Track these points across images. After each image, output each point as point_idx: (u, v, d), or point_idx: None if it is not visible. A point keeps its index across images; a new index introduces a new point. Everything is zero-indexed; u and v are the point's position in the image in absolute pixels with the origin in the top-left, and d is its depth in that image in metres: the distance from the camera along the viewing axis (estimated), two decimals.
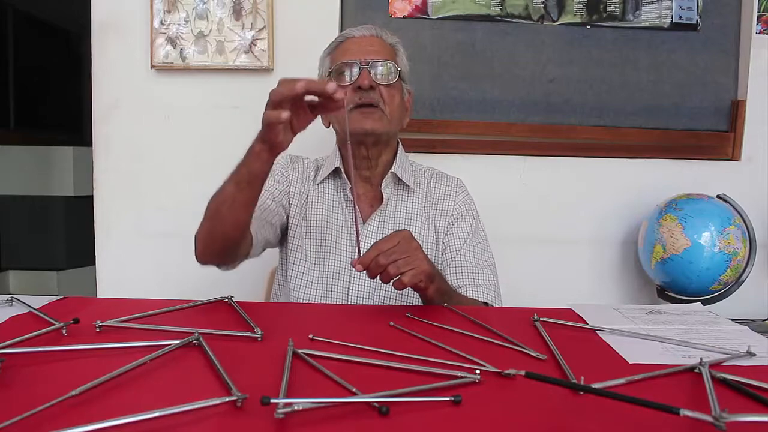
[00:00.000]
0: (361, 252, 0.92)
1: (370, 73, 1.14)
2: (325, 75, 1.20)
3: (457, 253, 1.20)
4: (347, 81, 1.15)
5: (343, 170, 1.23)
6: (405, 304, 1.15)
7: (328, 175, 1.25)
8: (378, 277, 0.91)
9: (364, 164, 1.22)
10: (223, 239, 1.01)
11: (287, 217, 1.24)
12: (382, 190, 1.22)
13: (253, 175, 0.93)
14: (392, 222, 1.21)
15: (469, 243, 1.21)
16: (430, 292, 0.97)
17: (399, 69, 1.18)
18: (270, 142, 0.88)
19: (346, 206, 1.23)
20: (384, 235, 1.15)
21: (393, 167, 1.22)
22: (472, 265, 1.19)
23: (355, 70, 1.14)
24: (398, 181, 1.24)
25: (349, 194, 1.20)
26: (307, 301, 1.19)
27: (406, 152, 1.30)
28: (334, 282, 1.18)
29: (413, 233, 1.16)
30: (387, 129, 1.17)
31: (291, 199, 1.25)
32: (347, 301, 1.17)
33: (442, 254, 1.22)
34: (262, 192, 1.01)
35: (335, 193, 1.24)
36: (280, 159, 1.24)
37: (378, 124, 1.15)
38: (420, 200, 1.25)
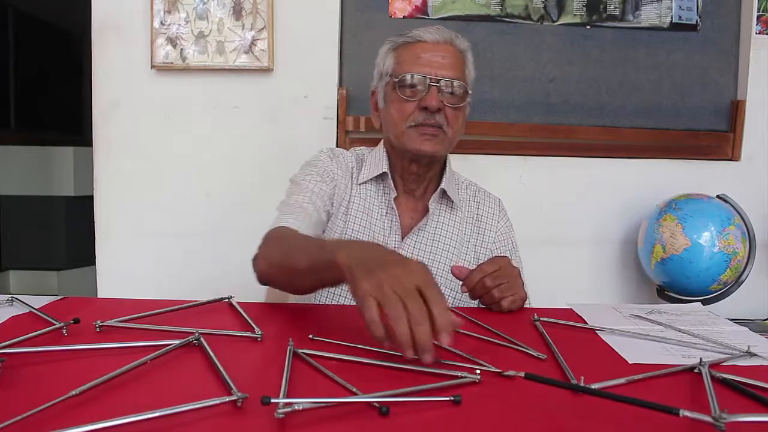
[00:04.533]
0: None
1: (439, 92, 1.06)
2: (387, 75, 1.13)
3: None
4: (413, 96, 1.08)
5: (390, 176, 1.16)
6: None
7: (372, 179, 1.18)
8: (470, 297, 0.94)
9: (413, 179, 1.17)
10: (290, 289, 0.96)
11: (328, 218, 1.17)
12: (429, 204, 1.17)
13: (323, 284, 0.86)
14: (431, 239, 1.17)
15: (516, 263, 1.18)
16: None
17: (468, 87, 1.11)
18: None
19: (386, 213, 1.17)
20: (421, 252, 1.16)
21: (442, 183, 1.17)
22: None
23: (424, 84, 1.06)
24: (444, 196, 1.19)
25: (392, 202, 1.16)
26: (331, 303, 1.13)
27: None
28: None
29: (449, 252, 1.18)
30: (446, 151, 1.13)
31: (334, 201, 1.17)
32: None
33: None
34: (309, 195, 1.07)
35: (377, 197, 1.18)
36: (321, 156, 1.19)
37: (438, 148, 1.09)
38: (462, 221, 1.21)
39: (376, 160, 1.19)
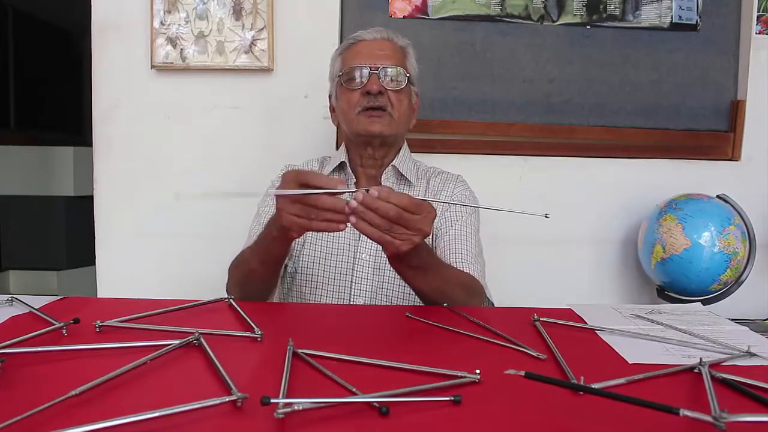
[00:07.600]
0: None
1: (379, 78, 1.17)
2: (336, 76, 1.23)
3: (451, 227, 1.21)
4: (357, 85, 1.18)
5: (348, 165, 1.25)
6: (405, 292, 1.17)
7: (333, 170, 1.27)
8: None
9: (371, 163, 1.25)
10: (257, 296, 1.06)
11: None
12: (382, 183, 1.23)
13: (277, 257, 1.00)
14: None
15: (464, 222, 1.22)
16: (403, 265, 0.93)
17: (408, 74, 1.21)
18: (287, 234, 0.90)
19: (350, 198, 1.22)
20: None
21: (394, 161, 1.25)
22: (464, 241, 1.19)
23: (365, 74, 1.17)
24: (400, 176, 1.25)
25: (353, 187, 1.22)
26: (313, 295, 1.20)
27: None
28: (339, 274, 1.19)
29: None
30: (393, 132, 1.20)
31: None
32: (350, 291, 1.18)
33: (435, 231, 1.21)
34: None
35: None
36: (281, 175, 1.26)
37: (385, 128, 1.18)
38: (420, 195, 1.25)
39: (337, 155, 1.29)
